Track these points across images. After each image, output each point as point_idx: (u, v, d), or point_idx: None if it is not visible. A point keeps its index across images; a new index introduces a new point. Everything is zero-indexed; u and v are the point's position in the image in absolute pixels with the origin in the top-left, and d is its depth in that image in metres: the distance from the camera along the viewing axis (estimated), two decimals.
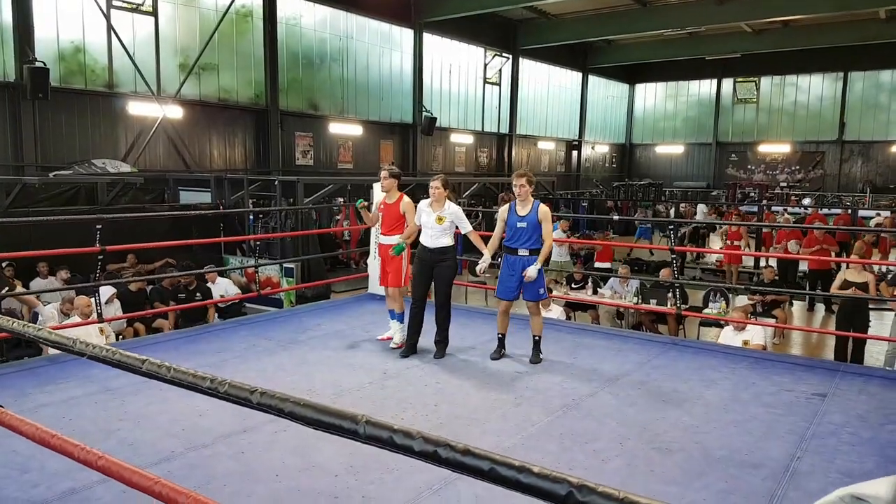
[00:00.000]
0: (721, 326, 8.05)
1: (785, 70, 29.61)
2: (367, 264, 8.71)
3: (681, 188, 31.15)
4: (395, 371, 5.27)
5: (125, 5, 14.27)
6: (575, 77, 30.34)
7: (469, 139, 25.05)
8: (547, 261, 5.97)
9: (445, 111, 23.41)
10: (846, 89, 28.90)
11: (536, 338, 5.50)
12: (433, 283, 5.66)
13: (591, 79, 31.11)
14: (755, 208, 20.33)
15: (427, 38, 22.13)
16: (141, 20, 14.64)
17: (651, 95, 34.28)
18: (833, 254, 11.54)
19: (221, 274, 9.48)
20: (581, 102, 30.92)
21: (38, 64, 12.11)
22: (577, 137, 31.09)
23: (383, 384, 4.98)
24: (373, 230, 6.46)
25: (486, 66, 25.19)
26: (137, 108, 14.60)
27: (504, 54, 25.48)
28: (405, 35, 21.45)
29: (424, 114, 21.92)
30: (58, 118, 13.22)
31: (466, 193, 17.12)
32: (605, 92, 32.77)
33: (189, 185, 13.49)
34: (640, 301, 9.15)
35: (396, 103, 21.53)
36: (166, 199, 12.50)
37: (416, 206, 5.79)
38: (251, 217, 12.11)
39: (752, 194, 27.92)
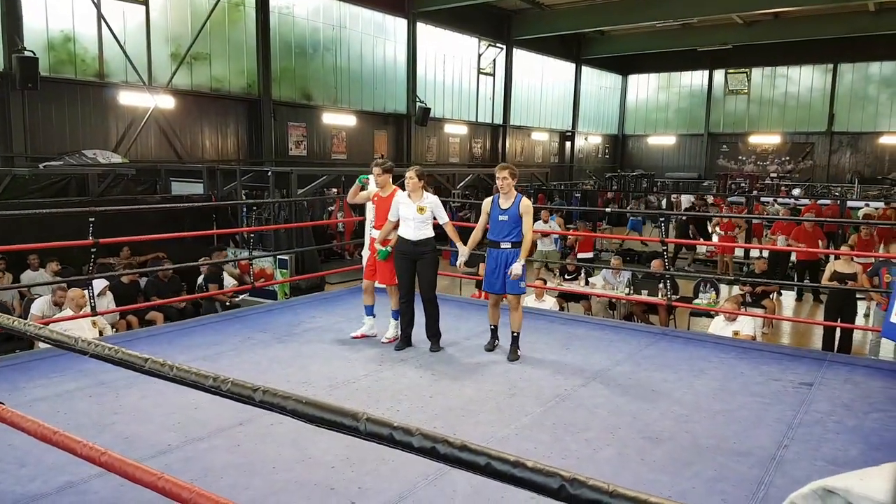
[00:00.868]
0: (711, 317, 8.15)
1: (776, 61, 29.71)
2: (361, 255, 8.72)
3: (672, 179, 31.25)
4: (389, 363, 5.32)
5: None
6: (568, 68, 30.32)
7: (463, 130, 25.03)
8: (532, 252, 6.00)
9: (439, 102, 23.37)
10: (836, 81, 29.04)
11: (515, 334, 5.45)
12: (417, 277, 5.64)
13: (585, 70, 31.11)
14: (742, 199, 20.46)
15: (421, 27, 22.05)
16: (132, 9, 14.52)
17: (644, 86, 34.31)
18: (821, 245, 11.66)
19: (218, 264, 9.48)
20: (574, 93, 30.93)
21: (27, 53, 12.00)
22: (570, 128, 31.12)
23: (378, 376, 5.03)
24: (367, 224, 6.45)
25: (479, 56, 25.15)
26: (128, 99, 14.50)
27: (498, 45, 25.43)
28: (399, 24, 21.37)
29: (418, 104, 21.88)
30: (47, 108, 13.12)
31: (461, 185, 17.14)
32: (599, 83, 32.78)
33: (181, 176, 13.43)
34: (631, 292, 9.24)
35: (390, 93, 21.47)
36: (158, 190, 12.45)
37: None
38: (244, 209, 12.08)
39: (742, 185, 28.06)
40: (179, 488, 1.35)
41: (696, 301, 9.01)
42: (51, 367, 5.12)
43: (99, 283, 7.31)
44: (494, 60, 25.74)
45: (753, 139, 31.37)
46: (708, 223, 15.44)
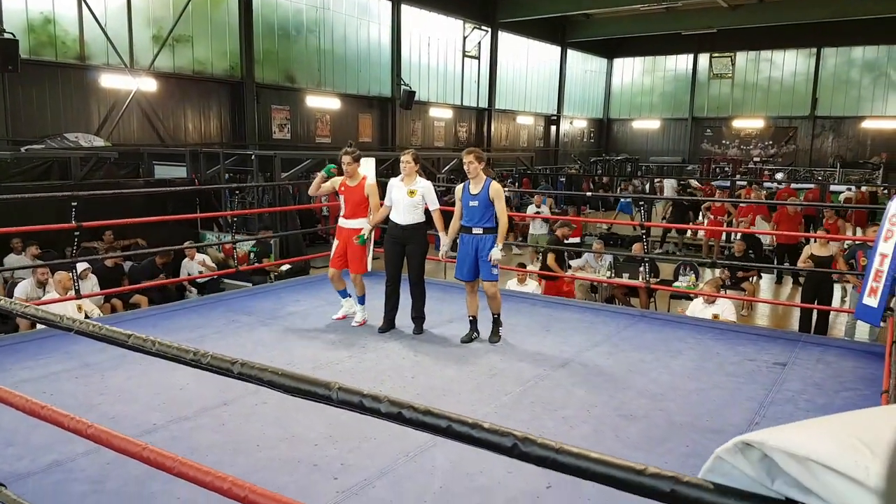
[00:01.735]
0: (690, 299, 8.29)
1: (760, 45, 29.84)
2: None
3: (657, 163, 31.42)
4: (373, 346, 5.40)
5: None
6: (554, 51, 30.29)
7: (448, 113, 24.99)
8: (509, 236, 5.97)
9: (424, 85, 23.29)
10: (819, 65, 29.24)
11: (496, 315, 5.48)
12: (406, 260, 5.68)
13: (570, 53, 31.09)
14: (727, 183, 20.65)
15: (405, 9, 21.92)
16: None
17: (629, 70, 34.36)
18: (801, 228, 11.84)
19: (199, 250, 9.49)
20: (560, 77, 30.92)
21: (6, 35, 11.84)
22: (555, 112, 31.14)
23: (362, 358, 5.11)
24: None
25: (465, 39, 25.06)
26: (110, 81, 14.37)
27: (483, 27, 25.35)
28: (383, 6, 21.24)
29: (403, 87, 21.81)
30: (28, 91, 12.98)
31: (446, 169, 17.16)
32: (584, 66, 32.78)
33: (164, 159, 13.37)
34: (613, 275, 9.36)
35: (374, 76, 21.38)
36: (141, 173, 12.40)
37: (380, 186, 5.77)
38: (227, 192, 12.06)
39: (726, 169, 28.28)
40: (164, 458, 1.42)
41: (676, 284, 9.15)
42: (37, 349, 5.16)
43: (80, 266, 7.31)
44: (479, 43, 25.67)
45: (737, 123, 31.58)
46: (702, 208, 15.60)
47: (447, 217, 5.84)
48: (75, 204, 5.49)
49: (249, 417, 3.91)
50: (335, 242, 5.91)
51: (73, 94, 13.83)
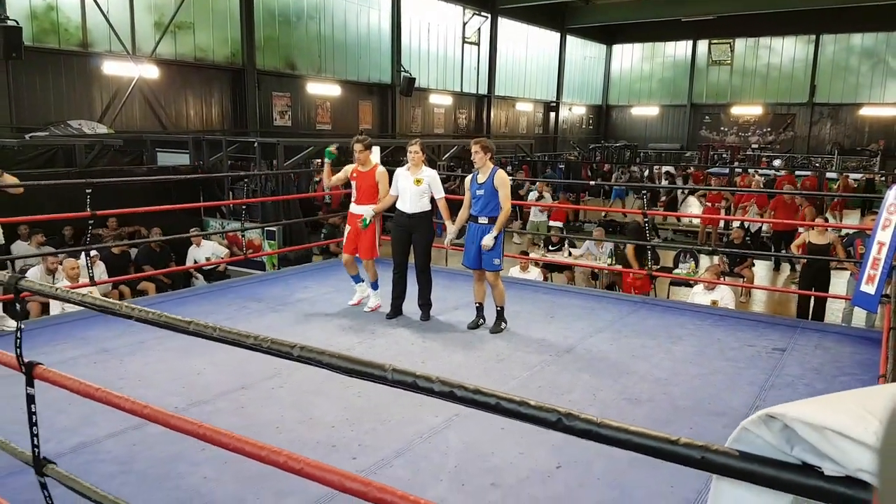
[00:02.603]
0: (690, 286, 8.42)
1: (759, 32, 29.83)
2: (345, 228, 8.81)
3: (655, 150, 31.49)
4: (382, 332, 5.52)
5: None
6: (553, 37, 30.25)
7: (448, 100, 25.00)
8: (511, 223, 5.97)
9: (424, 71, 23.28)
10: (818, 52, 29.26)
11: (499, 308, 5.54)
12: (412, 248, 5.79)
13: (570, 39, 31.05)
14: (726, 171, 20.76)
15: None
16: None
17: (628, 56, 34.34)
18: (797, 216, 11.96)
19: (207, 237, 9.59)
20: (559, 63, 30.90)
21: (10, 23, 11.85)
22: (554, 99, 31.14)
23: (372, 343, 5.23)
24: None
25: (464, 25, 25.02)
26: (112, 68, 14.38)
27: (483, 13, 25.30)
28: None
29: (403, 74, 21.81)
30: (31, 78, 13.00)
31: (446, 156, 17.21)
32: (583, 53, 32.74)
33: (166, 146, 13.40)
34: (613, 262, 9.48)
35: (374, 63, 21.37)
36: (144, 161, 12.44)
37: (390, 175, 5.84)
38: (229, 180, 12.11)
39: (724, 156, 28.38)
40: (220, 435, 1.53)
41: (676, 271, 9.28)
42: (52, 335, 5.26)
43: (91, 253, 7.40)
44: (479, 29, 25.63)
45: (735, 110, 31.63)
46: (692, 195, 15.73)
47: (453, 207, 5.95)
48: (89, 192, 5.57)
49: (268, 401, 4.03)
50: (347, 228, 6.04)
51: (75, 81, 13.86)
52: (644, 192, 7.57)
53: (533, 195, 14.62)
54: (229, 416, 3.85)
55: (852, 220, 15.44)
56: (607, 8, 28.49)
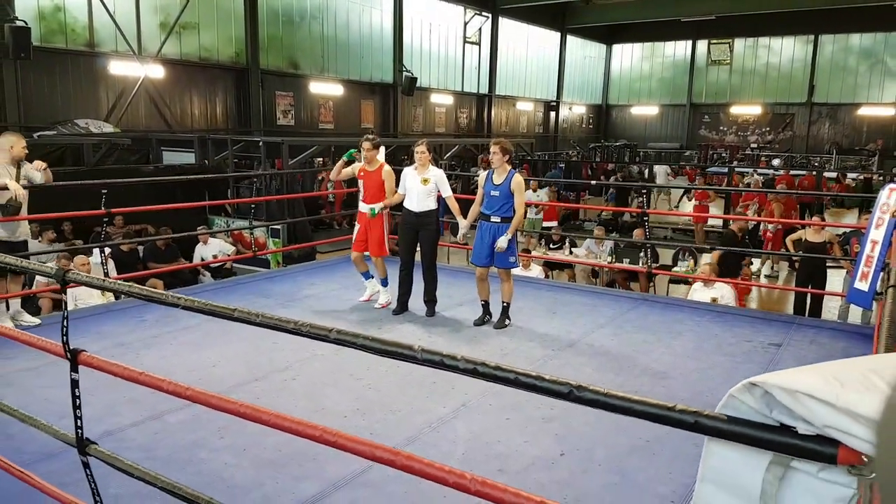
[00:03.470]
0: (689, 284, 8.58)
1: (758, 32, 30.00)
2: (350, 225, 8.98)
3: (655, 149, 31.65)
4: (388, 327, 5.68)
5: None
6: (553, 37, 30.41)
7: (449, 100, 25.16)
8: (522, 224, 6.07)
9: (426, 71, 23.45)
10: (816, 52, 29.44)
11: (505, 304, 5.64)
12: (419, 246, 5.96)
13: (570, 39, 31.21)
14: (724, 170, 20.94)
15: None
16: None
17: (628, 56, 34.51)
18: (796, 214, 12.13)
19: (213, 235, 9.74)
20: (559, 63, 31.06)
21: (19, 23, 12.01)
22: (555, 98, 31.31)
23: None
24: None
25: (465, 25, 25.18)
26: (118, 68, 14.56)
27: (484, 13, 25.46)
28: None
29: (405, 73, 21.97)
30: (39, 78, 13.16)
31: (447, 155, 17.37)
32: (583, 52, 32.90)
33: (172, 145, 13.57)
34: (613, 260, 9.64)
35: (377, 62, 21.53)
36: (150, 159, 12.61)
37: (395, 174, 5.99)
38: (233, 179, 12.25)
39: (723, 155, 28.55)
40: (259, 412, 1.69)
41: (675, 269, 9.43)
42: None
43: (96, 251, 7.57)
44: (480, 29, 25.79)
45: (735, 109, 31.80)
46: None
47: (463, 206, 6.10)
48: (105, 192, 5.74)
49: (281, 392, 4.19)
50: (357, 227, 6.18)
51: (82, 81, 14.03)
52: (644, 191, 7.72)
53: (533, 195, 14.77)
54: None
55: (850, 219, 15.61)
56: (607, 8, 28.65)
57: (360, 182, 6.13)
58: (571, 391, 1.16)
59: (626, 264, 9.45)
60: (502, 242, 5.44)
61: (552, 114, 31.59)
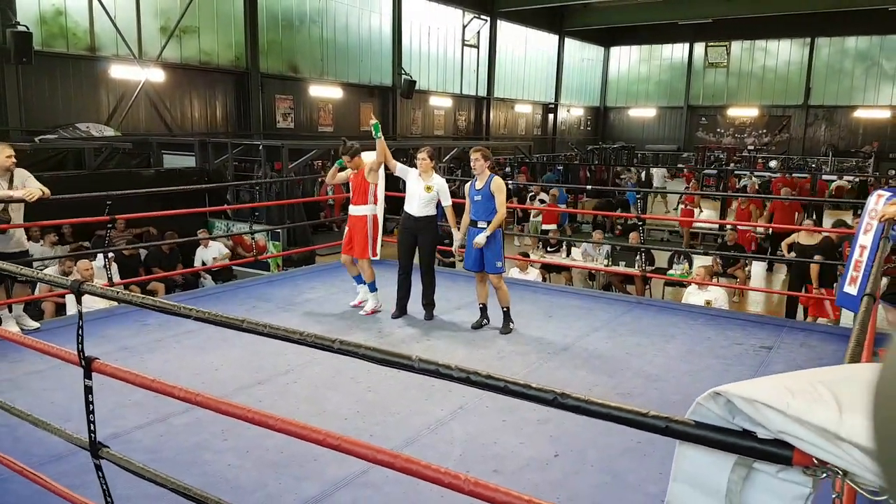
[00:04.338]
0: (684, 286, 8.70)
1: (755, 35, 30.15)
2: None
3: (652, 151, 31.80)
4: (387, 330, 5.78)
5: None
6: (551, 40, 30.54)
7: (448, 102, 25.27)
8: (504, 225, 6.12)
9: (424, 74, 23.56)
10: (813, 55, 29.59)
11: (504, 309, 5.74)
12: (417, 250, 6.07)
13: (568, 41, 31.34)
14: (714, 172, 21.17)
15: None
16: None
17: (625, 59, 34.65)
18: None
19: (214, 238, 9.84)
20: (557, 65, 31.19)
21: (20, 28, 12.10)
22: (553, 100, 31.43)
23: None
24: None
25: (464, 27, 25.30)
26: (119, 72, 14.66)
27: (482, 16, 25.57)
28: None
29: (403, 76, 22.08)
30: (41, 82, 13.26)
31: (446, 158, 17.49)
32: (581, 55, 33.04)
33: (172, 148, 13.67)
34: (610, 263, 9.76)
35: (376, 65, 21.64)
36: (151, 163, 12.70)
37: (379, 167, 6.08)
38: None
39: (720, 157, 28.69)
40: (266, 417, 1.80)
41: (670, 272, 9.55)
42: (71, 333, 5.48)
43: (99, 255, 7.68)
44: (479, 32, 25.91)
45: (732, 112, 31.95)
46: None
47: (458, 213, 6.20)
48: (109, 203, 5.85)
49: (283, 395, 4.30)
50: (346, 230, 6.27)
51: (83, 85, 14.13)
52: (639, 196, 7.84)
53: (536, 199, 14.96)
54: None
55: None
56: (605, 11, 28.78)
57: (350, 184, 6.24)
58: (556, 398, 1.27)
59: (621, 268, 9.57)
60: (479, 238, 5.58)
61: (550, 116, 31.72)
